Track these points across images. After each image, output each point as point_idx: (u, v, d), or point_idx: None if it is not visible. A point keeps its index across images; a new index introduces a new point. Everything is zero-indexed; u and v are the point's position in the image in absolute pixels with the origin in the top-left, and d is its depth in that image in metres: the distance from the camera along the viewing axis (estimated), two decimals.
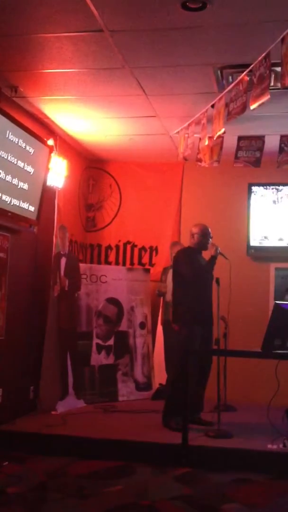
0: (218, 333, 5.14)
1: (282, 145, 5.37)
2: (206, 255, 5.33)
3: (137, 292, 6.66)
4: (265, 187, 6.64)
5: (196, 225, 5.40)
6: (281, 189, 6.62)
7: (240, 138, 5.43)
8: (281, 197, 6.63)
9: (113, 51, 4.05)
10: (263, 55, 3.68)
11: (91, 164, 7.18)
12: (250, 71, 3.90)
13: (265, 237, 6.63)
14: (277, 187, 6.62)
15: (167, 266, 6.69)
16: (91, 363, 6.18)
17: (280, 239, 6.60)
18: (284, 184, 6.59)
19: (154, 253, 7.11)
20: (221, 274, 5.14)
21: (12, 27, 3.77)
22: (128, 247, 7.18)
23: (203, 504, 3.69)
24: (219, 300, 5.03)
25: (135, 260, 7.14)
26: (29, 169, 5.08)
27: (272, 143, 5.38)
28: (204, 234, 5.30)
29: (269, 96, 3.63)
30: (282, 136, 5.37)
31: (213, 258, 5.23)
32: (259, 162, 5.41)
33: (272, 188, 6.63)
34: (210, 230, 5.34)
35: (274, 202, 6.63)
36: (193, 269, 5.18)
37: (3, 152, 4.62)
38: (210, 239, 5.32)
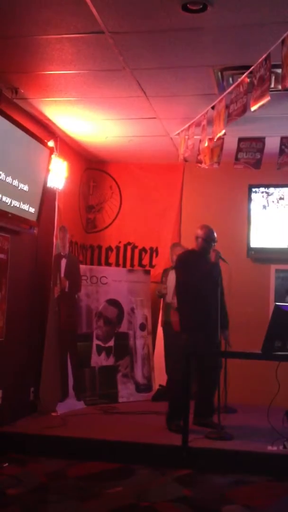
0: (219, 335, 5.13)
1: (283, 146, 5.37)
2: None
3: (137, 294, 6.66)
4: (255, 190, 6.64)
5: (202, 227, 5.25)
6: (272, 193, 6.62)
7: (240, 140, 5.43)
8: (272, 201, 6.63)
9: (114, 52, 4.06)
10: (264, 56, 3.68)
11: (92, 166, 7.18)
12: (251, 72, 3.90)
13: (266, 239, 6.64)
14: (267, 190, 6.62)
15: (168, 268, 6.69)
16: (91, 364, 6.17)
17: (280, 241, 6.60)
18: (279, 186, 6.60)
19: (154, 254, 7.11)
20: (221, 275, 5.12)
21: (13, 29, 3.77)
22: (129, 248, 7.18)
23: (203, 505, 3.69)
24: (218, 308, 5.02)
25: (136, 262, 7.14)
26: (30, 170, 5.08)
27: (272, 144, 5.38)
28: (208, 240, 5.17)
29: (269, 98, 3.63)
30: (282, 138, 5.37)
31: (214, 265, 5.13)
32: (260, 163, 5.40)
33: (263, 192, 6.64)
34: (215, 234, 5.22)
35: (264, 207, 6.63)
36: (191, 274, 5.09)
37: (3, 154, 4.62)
38: (214, 244, 5.19)
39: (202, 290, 5.04)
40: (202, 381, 5.18)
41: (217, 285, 5.10)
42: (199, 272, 5.12)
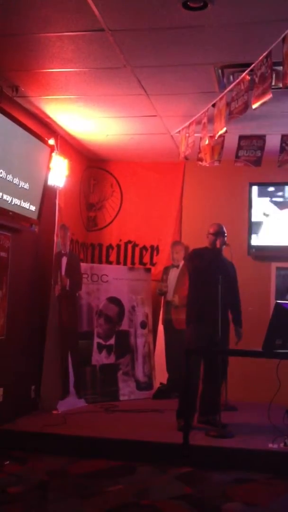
0: (219, 333, 5.13)
1: (283, 144, 5.36)
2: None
3: (138, 292, 6.66)
4: (255, 188, 6.64)
5: (212, 224, 5.34)
6: (272, 191, 6.62)
7: (241, 138, 5.42)
8: (273, 199, 6.63)
9: (114, 50, 4.05)
10: (265, 54, 3.68)
11: (92, 164, 7.18)
12: (251, 70, 3.89)
13: (266, 237, 6.64)
14: (267, 188, 6.63)
15: (168, 266, 6.70)
16: (92, 362, 6.18)
17: (280, 239, 6.60)
18: (279, 184, 6.59)
19: (155, 252, 7.11)
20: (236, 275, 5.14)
21: (13, 27, 3.77)
22: (129, 246, 7.18)
23: (204, 503, 3.69)
24: (219, 300, 5.02)
25: (136, 260, 7.14)
26: (30, 168, 5.07)
27: (273, 142, 5.38)
28: (216, 234, 5.22)
29: (271, 95, 3.62)
30: (283, 136, 5.37)
31: (212, 252, 5.18)
32: (260, 161, 5.40)
33: (263, 190, 6.64)
34: (224, 229, 5.26)
35: (265, 205, 6.63)
36: (195, 267, 5.16)
37: (4, 152, 4.62)
38: (223, 238, 5.20)
39: (207, 284, 5.04)
40: (206, 378, 5.17)
41: (230, 281, 5.19)
42: (204, 266, 5.14)
